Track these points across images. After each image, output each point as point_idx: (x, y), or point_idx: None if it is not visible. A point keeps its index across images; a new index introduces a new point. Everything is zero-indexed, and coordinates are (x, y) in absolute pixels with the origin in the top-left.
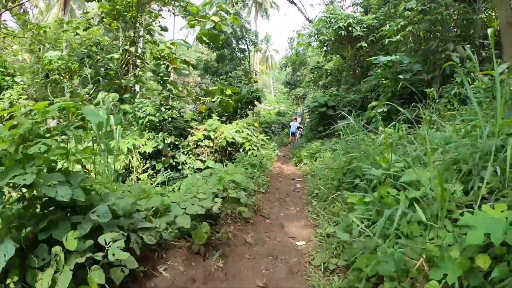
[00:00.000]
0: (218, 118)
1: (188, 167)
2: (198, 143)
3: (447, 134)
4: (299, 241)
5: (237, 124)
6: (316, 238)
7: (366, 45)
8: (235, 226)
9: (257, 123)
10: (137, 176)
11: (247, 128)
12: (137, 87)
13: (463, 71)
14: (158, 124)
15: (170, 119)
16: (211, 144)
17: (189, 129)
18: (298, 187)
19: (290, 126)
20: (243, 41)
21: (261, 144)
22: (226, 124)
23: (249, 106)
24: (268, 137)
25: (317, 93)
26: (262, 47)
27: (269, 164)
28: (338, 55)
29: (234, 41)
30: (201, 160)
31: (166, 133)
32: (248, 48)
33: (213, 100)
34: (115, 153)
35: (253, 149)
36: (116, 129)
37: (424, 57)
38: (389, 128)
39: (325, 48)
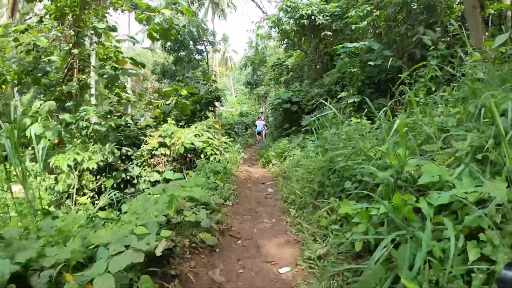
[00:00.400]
0: (175, 122)
1: (144, 181)
2: (153, 152)
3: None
4: (282, 268)
5: (196, 127)
6: (304, 262)
7: (330, 33)
8: (197, 260)
9: (218, 124)
10: (76, 200)
11: (208, 131)
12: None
13: (435, 54)
14: (105, 134)
15: (121, 127)
16: (167, 152)
17: (143, 137)
18: (269, 192)
19: (256, 126)
20: (200, 42)
21: (224, 148)
22: (184, 128)
23: (209, 107)
24: (232, 139)
25: (279, 90)
26: (220, 48)
27: (235, 169)
28: (298, 50)
29: (191, 42)
30: (158, 172)
31: (115, 143)
32: (205, 48)
33: (167, 102)
34: (40, 175)
35: (215, 154)
36: (41, 144)
37: (392, 43)
38: (362, 118)
39: (286, 40)
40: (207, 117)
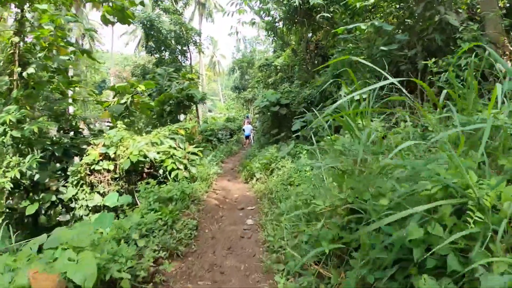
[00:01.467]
0: (143, 127)
1: (81, 206)
2: (93, 167)
3: None
4: None
5: (156, 134)
6: None
7: (328, 15)
8: None
9: (182, 130)
10: None
11: (173, 138)
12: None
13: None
14: (28, 142)
15: (59, 132)
16: (111, 167)
17: (85, 147)
18: (249, 226)
19: (244, 130)
20: (184, 42)
21: (191, 160)
22: (143, 135)
23: (182, 109)
24: (209, 147)
25: (267, 91)
26: (208, 52)
27: (203, 189)
28: (288, 50)
29: (173, 41)
30: (99, 193)
31: (39, 155)
32: (189, 48)
33: (122, 102)
34: None
35: (178, 169)
36: None
37: (405, 26)
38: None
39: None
40: (177, 121)
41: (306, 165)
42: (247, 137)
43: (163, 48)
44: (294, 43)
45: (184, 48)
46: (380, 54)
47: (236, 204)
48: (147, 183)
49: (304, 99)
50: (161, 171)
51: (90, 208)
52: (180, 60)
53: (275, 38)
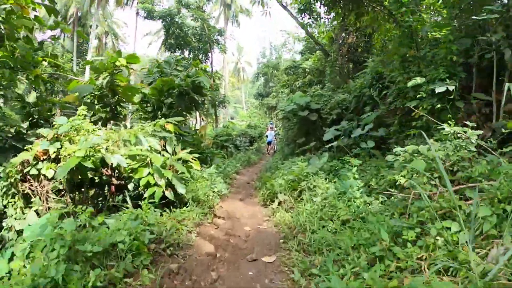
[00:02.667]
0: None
1: (9, 226)
2: (28, 171)
3: None
4: None
5: (139, 128)
6: None
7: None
8: None
9: (170, 125)
10: None
11: (163, 137)
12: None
13: None
14: None
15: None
16: (52, 173)
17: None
18: None
19: (267, 136)
20: (205, 39)
21: (180, 173)
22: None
23: (189, 103)
24: (221, 155)
25: (295, 94)
26: (233, 58)
27: (192, 220)
28: (318, 52)
29: (193, 38)
30: (36, 211)
31: None
32: (211, 47)
33: (98, 82)
34: None
35: (156, 186)
36: None
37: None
38: None
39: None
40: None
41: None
42: (269, 143)
43: (183, 45)
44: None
45: (206, 46)
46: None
47: (245, 249)
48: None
49: (338, 104)
50: (131, 186)
51: (17, 232)
52: (202, 60)
53: (310, 19)
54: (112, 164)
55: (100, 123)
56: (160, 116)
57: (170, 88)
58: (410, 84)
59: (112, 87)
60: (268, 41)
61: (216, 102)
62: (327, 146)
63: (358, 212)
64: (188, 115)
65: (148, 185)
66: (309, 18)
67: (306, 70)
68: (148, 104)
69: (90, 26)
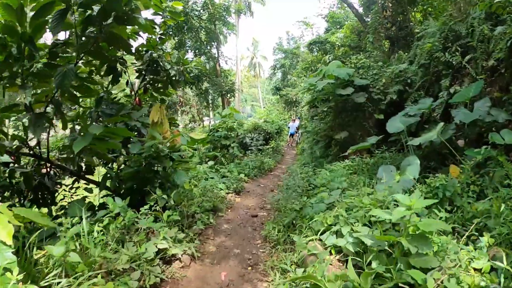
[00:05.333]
0: None
1: None
2: None
3: None
4: None
5: None
6: None
7: None
8: None
9: None
10: None
11: None
12: None
13: None
14: None
15: None
16: None
17: None
18: None
19: (289, 127)
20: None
21: None
22: None
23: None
24: (191, 165)
25: (330, 63)
26: (248, 53)
27: None
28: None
29: (196, 19)
30: None
31: None
32: (216, 29)
33: None
34: None
35: None
36: None
37: None
38: None
39: None
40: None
41: None
42: (292, 135)
43: (184, 26)
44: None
45: (210, 26)
46: None
47: None
48: None
49: (397, 77)
50: None
51: None
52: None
53: None
54: None
55: None
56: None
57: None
58: None
59: None
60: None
61: (224, 92)
62: (398, 146)
63: None
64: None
65: None
66: None
67: (336, 44)
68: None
69: None
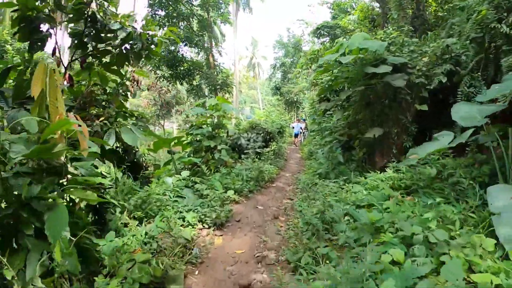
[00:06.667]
0: None
1: None
2: None
3: None
4: None
5: None
6: None
7: None
8: None
9: None
10: None
11: None
12: None
13: None
14: None
15: None
16: None
17: None
18: None
19: (293, 128)
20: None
21: None
22: None
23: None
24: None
25: (354, 35)
26: (247, 53)
27: None
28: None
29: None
30: None
31: None
32: (208, 14)
33: None
34: None
35: None
36: None
37: None
38: None
39: None
40: None
41: None
42: (296, 135)
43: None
44: None
45: (203, 14)
46: None
47: None
48: None
49: (444, 53)
50: None
51: None
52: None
53: None
54: None
55: None
56: None
57: None
58: None
59: None
60: (284, 28)
61: (218, 86)
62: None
63: None
64: None
65: None
66: None
67: (349, 29)
68: None
69: None
